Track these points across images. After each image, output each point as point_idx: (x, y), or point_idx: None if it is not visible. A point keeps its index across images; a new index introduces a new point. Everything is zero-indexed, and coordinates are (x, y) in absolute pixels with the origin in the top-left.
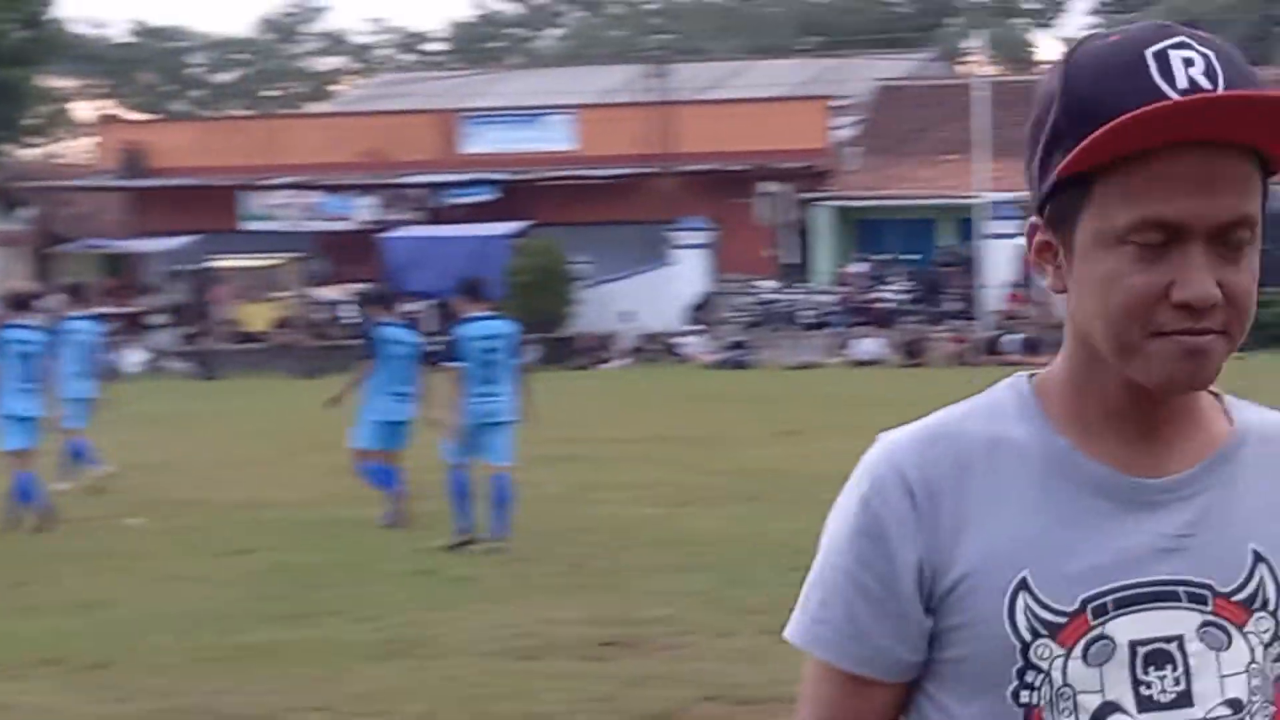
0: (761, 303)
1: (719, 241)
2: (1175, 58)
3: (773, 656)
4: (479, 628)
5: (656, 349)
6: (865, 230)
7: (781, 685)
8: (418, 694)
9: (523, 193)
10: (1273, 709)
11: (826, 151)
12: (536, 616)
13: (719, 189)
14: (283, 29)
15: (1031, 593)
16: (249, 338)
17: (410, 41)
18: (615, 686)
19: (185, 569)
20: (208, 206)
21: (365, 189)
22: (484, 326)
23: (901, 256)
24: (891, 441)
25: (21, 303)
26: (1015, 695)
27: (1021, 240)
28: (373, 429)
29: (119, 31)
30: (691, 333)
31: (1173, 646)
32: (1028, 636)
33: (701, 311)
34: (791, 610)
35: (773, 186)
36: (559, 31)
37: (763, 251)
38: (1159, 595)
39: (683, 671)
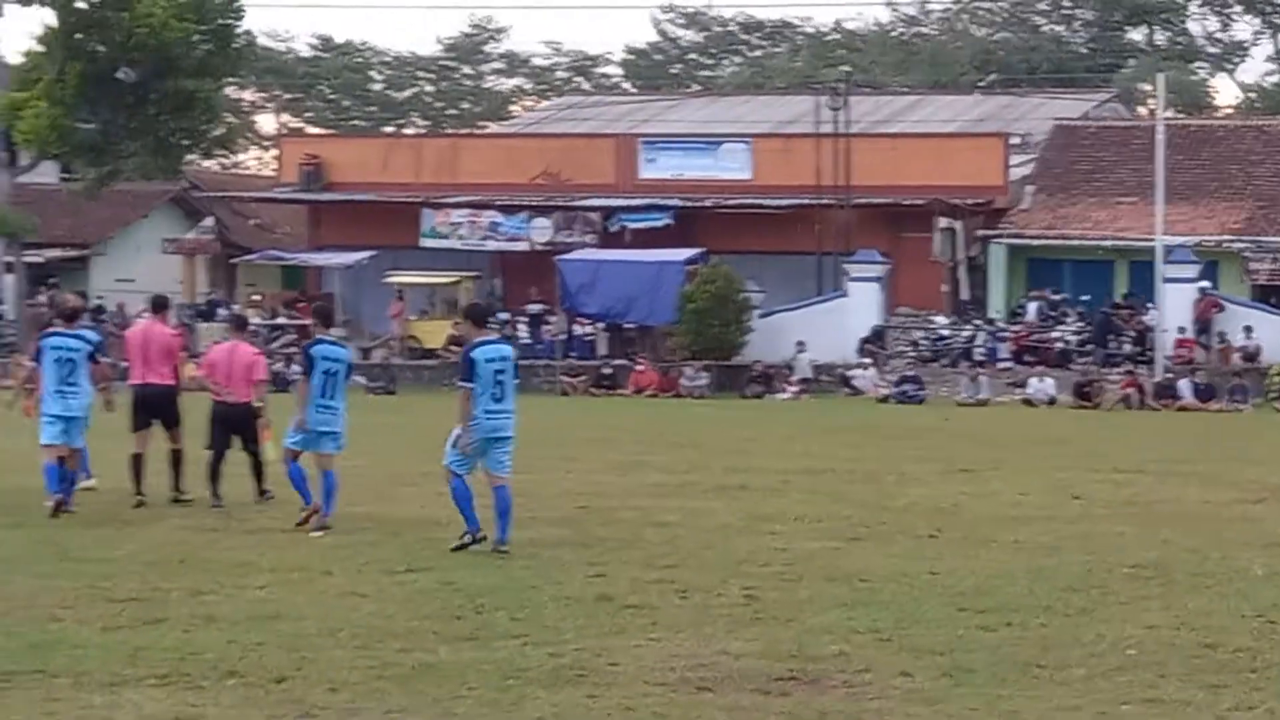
0: (935, 338)
1: (893, 275)
2: None
3: (950, 698)
4: (656, 657)
5: (828, 380)
6: (1039, 269)
7: None
8: None
9: (698, 220)
10: None
11: (1003, 188)
12: (713, 648)
13: (894, 222)
14: (463, 49)
15: None
16: (425, 354)
17: (587, 65)
18: None
19: (363, 585)
20: (386, 222)
21: (542, 210)
22: (494, 349)
23: (1075, 297)
24: None
25: (70, 314)
26: None
27: (1196, 285)
28: (301, 436)
29: (303, 46)
30: (864, 365)
31: None
32: None
33: (874, 344)
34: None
35: (948, 222)
36: (739, 60)
37: (937, 287)
38: None
39: (862, 710)
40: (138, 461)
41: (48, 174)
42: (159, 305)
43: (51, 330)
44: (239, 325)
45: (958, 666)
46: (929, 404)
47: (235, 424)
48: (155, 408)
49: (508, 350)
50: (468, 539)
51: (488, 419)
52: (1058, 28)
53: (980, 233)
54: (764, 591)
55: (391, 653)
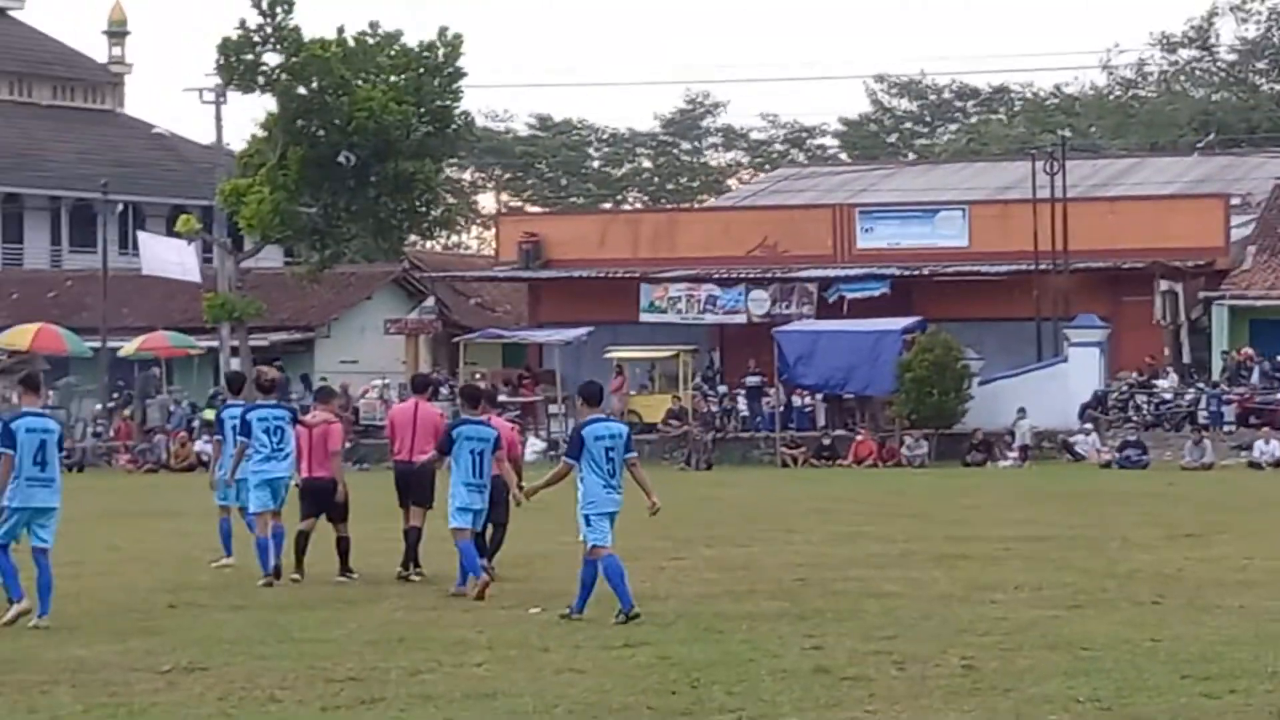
0: (1158, 402)
1: (1113, 339)
2: None
3: None
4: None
5: (1049, 447)
6: (1261, 330)
7: None
8: None
9: (915, 288)
10: None
11: (1224, 249)
12: None
13: (1114, 286)
14: (680, 125)
15: None
16: (645, 428)
17: (802, 136)
18: None
19: (579, 661)
20: (605, 298)
21: (759, 282)
22: (603, 428)
23: None
24: None
25: (268, 386)
26: None
27: None
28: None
29: (521, 125)
30: (1085, 431)
31: None
32: None
33: (1096, 409)
34: None
35: (1169, 284)
36: (954, 127)
37: (1159, 350)
38: None
39: None
40: (408, 535)
41: (272, 258)
42: (422, 385)
43: (257, 403)
44: (418, 388)
45: None
46: (1153, 469)
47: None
48: (416, 485)
49: (619, 428)
50: (621, 616)
51: (606, 494)
52: (1277, 86)
53: (1202, 294)
54: (983, 661)
55: None
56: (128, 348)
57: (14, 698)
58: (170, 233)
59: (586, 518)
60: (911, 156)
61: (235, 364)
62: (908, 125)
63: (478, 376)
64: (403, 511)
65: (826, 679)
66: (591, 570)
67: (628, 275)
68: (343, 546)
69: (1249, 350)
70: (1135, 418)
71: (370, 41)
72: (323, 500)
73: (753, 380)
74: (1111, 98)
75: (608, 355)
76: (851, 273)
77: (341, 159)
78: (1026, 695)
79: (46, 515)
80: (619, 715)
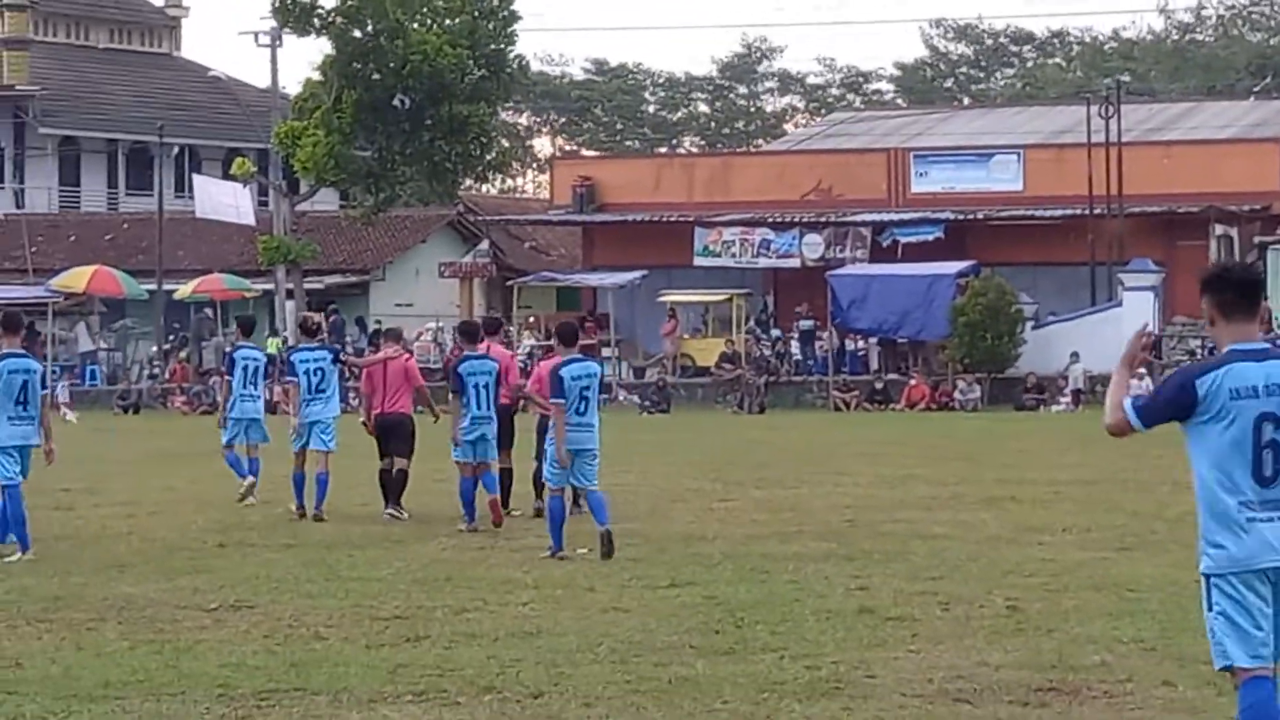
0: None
1: (1168, 284)
2: None
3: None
4: (914, 669)
5: (1103, 391)
6: None
7: None
8: None
9: (969, 232)
10: None
11: (1279, 194)
12: (973, 659)
13: (1169, 231)
14: (737, 69)
15: None
16: (698, 371)
17: (858, 81)
18: None
19: (624, 600)
20: (659, 242)
21: (813, 226)
22: (580, 367)
23: None
24: None
25: (312, 329)
26: None
27: None
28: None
29: (577, 70)
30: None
31: None
32: None
33: (1149, 354)
34: None
35: (1224, 229)
36: (1009, 72)
37: None
38: None
39: None
40: (503, 476)
41: (327, 201)
42: (493, 327)
43: (301, 345)
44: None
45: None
46: None
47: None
48: (394, 434)
49: (594, 368)
50: (558, 555)
51: (571, 432)
52: None
53: (1258, 239)
54: (1028, 602)
55: (649, 667)
56: (183, 290)
57: (61, 634)
58: (226, 176)
59: (548, 454)
60: (967, 101)
61: (290, 307)
62: (963, 70)
63: (532, 320)
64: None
65: (871, 619)
66: (557, 503)
67: (682, 219)
68: (400, 481)
69: None
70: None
71: None
72: (397, 435)
73: (806, 324)
74: (1168, 42)
75: (661, 299)
76: (905, 217)
77: (396, 102)
78: (1070, 635)
79: (25, 453)
80: (662, 654)
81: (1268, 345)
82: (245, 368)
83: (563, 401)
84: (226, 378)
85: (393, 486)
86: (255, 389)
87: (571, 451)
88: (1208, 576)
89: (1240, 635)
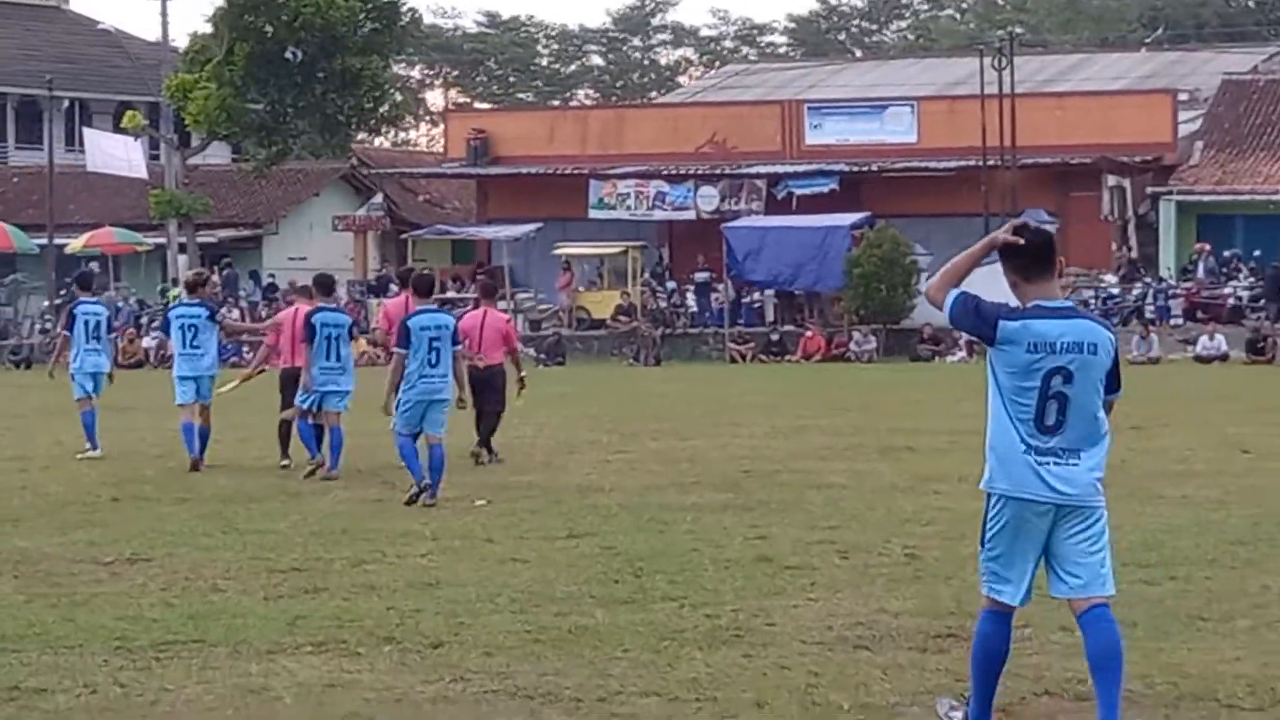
0: (1105, 298)
1: (1061, 235)
2: None
3: None
4: (813, 617)
5: None
6: (1209, 226)
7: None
8: (748, 682)
9: (864, 184)
10: None
11: (1172, 145)
12: (872, 607)
13: (1062, 182)
14: (631, 21)
15: None
16: (594, 324)
17: (752, 34)
18: (949, 679)
19: (522, 551)
20: (554, 194)
21: (708, 179)
22: (429, 318)
23: (1247, 252)
24: None
25: (192, 285)
26: None
27: None
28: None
29: (469, 22)
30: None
31: None
32: None
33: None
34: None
35: (1117, 180)
36: (902, 24)
37: (1107, 246)
38: None
39: (1019, 666)
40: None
41: (219, 155)
42: (489, 291)
43: (180, 301)
44: (488, 293)
45: (1119, 620)
46: None
47: (483, 386)
48: (487, 389)
49: (444, 319)
50: (414, 490)
51: (423, 382)
52: None
53: (1150, 190)
54: (926, 550)
55: (549, 617)
56: (74, 244)
57: None
58: (116, 129)
59: (399, 404)
60: (860, 53)
61: (183, 261)
62: (856, 23)
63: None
64: (475, 412)
65: (769, 568)
66: (407, 444)
67: (576, 172)
68: (491, 424)
69: (1205, 245)
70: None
71: None
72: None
73: (701, 276)
74: None
75: (556, 251)
76: (800, 169)
77: (288, 55)
78: (968, 582)
79: None
80: (562, 604)
81: (1071, 304)
82: (86, 322)
83: (405, 351)
84: (65, 333)
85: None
86: (99, 343)
87: (420, 401)
88: (988, 494)
89: (1006, 564)
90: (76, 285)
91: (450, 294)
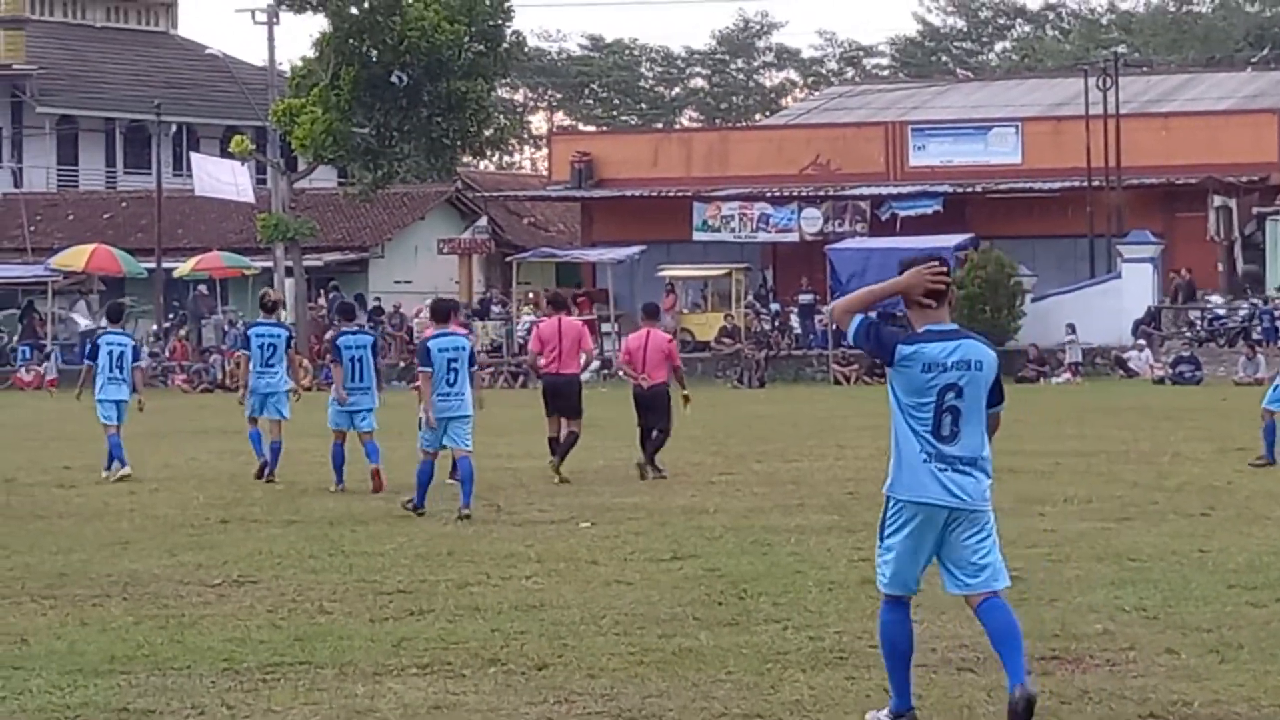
0: (1212, 317)
1: (1167, 255)
2: None
3: (1216, 675)
4: (919, 638)
5: (1103, 363)
6: None
7: (1224, 704)
8: (852, 704)
9: (968, 205)
10: None
11: (1278, 165)
12: (976, 629)
13: (1168, 202)
14: (735, 43)
15: None
16: (698, 346)
17: (857, 55)
18: (1054, 702)
19: (627, 573)
20: (657, 217)
21: (812, 200)
22: (448, 340)
23: None
24: None
25: (270, 307)
26: None
27: None
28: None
29: (574, 45)
30: (1139, 347)
31: None
32: None
33: (1149, 326)
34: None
35: (1223, 200)
36: (1006, 45)
37: (1213, 266)
38: None
39: (1124, 688)
40: (552, 444)
41: (325, 178)
42: (560, 302)
43: (256, 321)
44: (651, 314)
45: (1224, 643)
46: (1206, 384)
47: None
48: (563, 396)
49: (462, 342)
50: (410, 506)
51: (440, 401)
52: None
53: (1256, 210)
54: (1030, 572)
55: (653, 639)
56: (182, 268)
57: (66, 610)
58: (224, 154)
59: (420, 422)
60: (964, 74)
61: (289, 284)
62: (959, 44)
63: (530, 296)
64: (548, 420)
65: (873, 590)
66: (426, 465)
67: (680, 194)
68: (570, 442)
69: None
70: (1189, 333)
71: None
72: (566, 397)
73: (805, 298)
74: (1167, 13)
75: (660, 274)
76: (904, 190)
77: (394, 79)
78: (1072, 605)
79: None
80: (666, 626)
81: (957, 327)
82: (110, 353)
83: (429, 370)
84: (89, 363)
85: (562, 448)
86: (121, 373)
87: (443, 418)
88: (889, 497)
89: (901, 560)
90: (106, 317)
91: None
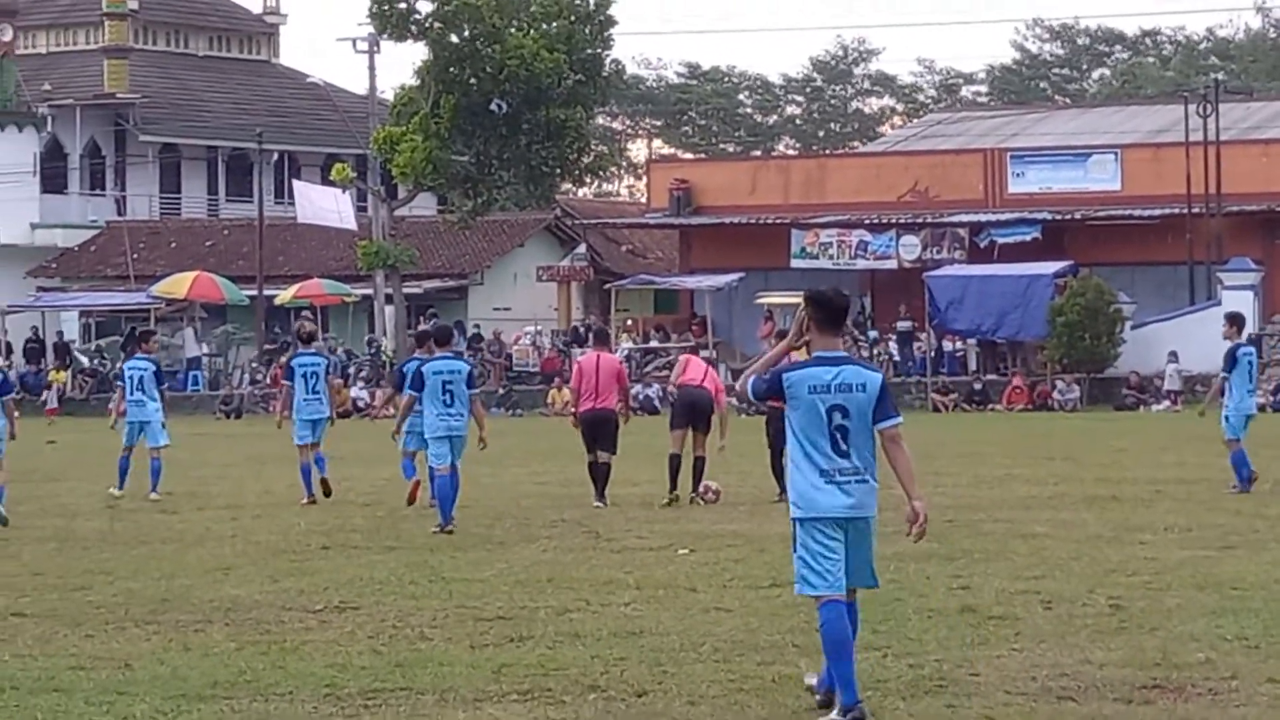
0: None
1: (1267, 282)
2: None
3: None
4: (1017, 667)
5: (1203, 391)
6: None
7: None
8: None
9: (1066, 232)
10: None
11: None
12: (1076, 657)
13: (1268, 229)
14: (832, 70)
15: None
16: None
17: (957, 82)
18: None
19: (726, 600)
20: (756, 244)
21: (910, 228)
22: (443, 364)
23: None
24: None
25: (307, 338)
26: None
27: None
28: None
29: (672, 73)
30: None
31: None
32: None
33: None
34: None
35: None
36: (1104, 71)
37: None
38: None
39: (1226, 718)
40: (591, 469)
41: (425, 206)
42: (604, 337)
43: (297, 352)
44: (601, 339)
45: None
46: None
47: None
48: (601, 429)
49: (459, 366)
50: (437, 529)
51: (441, 421)
52: None
53: None
54: (1130, 601)
55: (752, 666)
56: (284, 295)
57: (169, 635)
58: (325, 181)
59: (428, 442)
60: (1063, 101)
61: (389, 311)
62: (1057, 70)
63: (629, 323)
64: (589, 455)
65: (973, 618)
66: (443, 482)
67: (778, 221)
68: (604, 472)
69: None
70: None
71: None
72: (603, 430)
73: (904, 325)
74: (1267, 40)
75: (759, 300)
76: (1002, 217)
77: (493, 107)
78: (1174, 633)
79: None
80: (765, 653)
81: (845, 354)
82: (305, 374)
83: (415, 394)
84: (287, 384)
85: (598, 478)
86: (317, 393)
87: (444, 437)
88: (795, 521)
89: (815, 568)
90: (296, 339)
91: (653, 343)
